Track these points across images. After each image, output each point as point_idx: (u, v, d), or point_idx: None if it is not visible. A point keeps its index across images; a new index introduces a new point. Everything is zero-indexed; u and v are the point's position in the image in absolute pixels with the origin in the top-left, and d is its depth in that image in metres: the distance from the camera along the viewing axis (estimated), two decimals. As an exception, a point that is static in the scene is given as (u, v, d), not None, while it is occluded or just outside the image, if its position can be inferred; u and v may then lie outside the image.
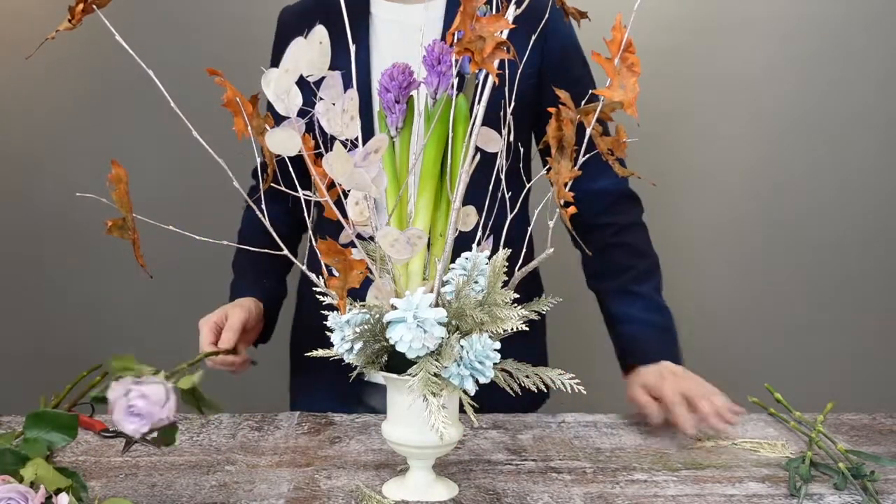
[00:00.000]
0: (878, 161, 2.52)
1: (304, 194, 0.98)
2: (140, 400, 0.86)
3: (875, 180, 2.52)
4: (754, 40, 2.45)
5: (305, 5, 1.42)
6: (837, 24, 2.45)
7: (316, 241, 1.20)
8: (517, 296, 0.97)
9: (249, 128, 0.94)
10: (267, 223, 0.96)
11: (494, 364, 0.94)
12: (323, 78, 0.91)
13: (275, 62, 1.38)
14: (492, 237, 1.02)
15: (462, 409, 0.98)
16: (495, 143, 0.98)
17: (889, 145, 2.52)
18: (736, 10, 2.43)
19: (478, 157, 0.96)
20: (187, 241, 1.11)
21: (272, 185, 1.27)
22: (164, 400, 0.87)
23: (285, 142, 0.90)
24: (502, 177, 0.99)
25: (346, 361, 0.98)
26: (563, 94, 0.94)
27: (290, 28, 1.41)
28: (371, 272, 0.96)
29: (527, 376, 0.98)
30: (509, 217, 1.01)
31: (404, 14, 1.29)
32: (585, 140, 0.94)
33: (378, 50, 1.30)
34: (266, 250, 1.04)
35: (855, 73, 2.47)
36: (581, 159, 0.94)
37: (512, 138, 0.98)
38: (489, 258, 0.98)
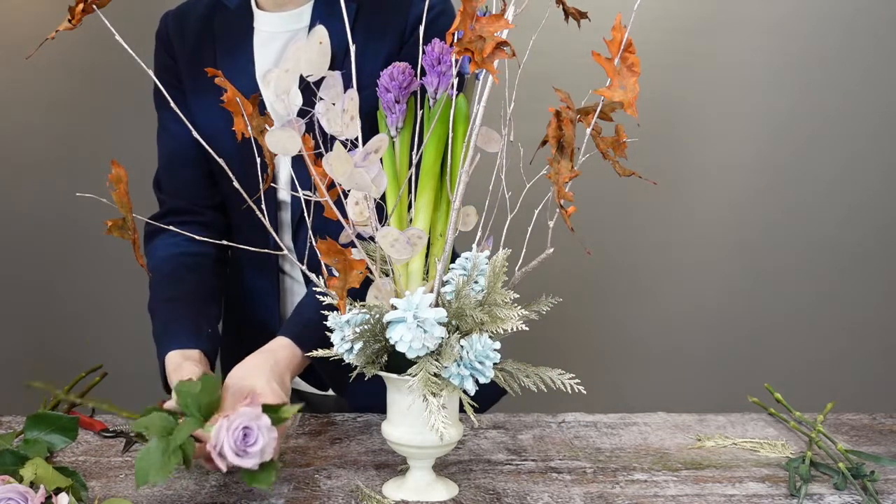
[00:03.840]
0: (877, 160, 2.52)
1: (304, 194, 0.98)
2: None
3: (875, 179, 2.52)
4: (754, 40, 2.45)
5: (187, 20, 1.38)
6: (838, 24, 2.45)
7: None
8: (517, 295, 0.97)
9: (249, 128, 0.94)
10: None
11: (494, 364, 0.94)
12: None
13: (164, 69, 1.36)
14: (492, 237, 1.02)
15: (462, 409, 0.98)
16: (495, 143, 0.98)
17: (889, 144, 2.52)
18: (736, 10, 2.43)
19: (478, 157, 0.96)
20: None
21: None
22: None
23: (285, 142, 0.90)
24: (502, 177, 0.98)
25: (347, 361, 0.98)
26: (562, 94, 0.94)
27: (172, 38, 1.38)
28: (371, 272, 0.96)
29: (527, 376, 0.98)
30: (509, 217, 1.01)
31: (280, 24, 1.32)
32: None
33: (261, 61, 1.32)
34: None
35: (855, 72, 2.48)
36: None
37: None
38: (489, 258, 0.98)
